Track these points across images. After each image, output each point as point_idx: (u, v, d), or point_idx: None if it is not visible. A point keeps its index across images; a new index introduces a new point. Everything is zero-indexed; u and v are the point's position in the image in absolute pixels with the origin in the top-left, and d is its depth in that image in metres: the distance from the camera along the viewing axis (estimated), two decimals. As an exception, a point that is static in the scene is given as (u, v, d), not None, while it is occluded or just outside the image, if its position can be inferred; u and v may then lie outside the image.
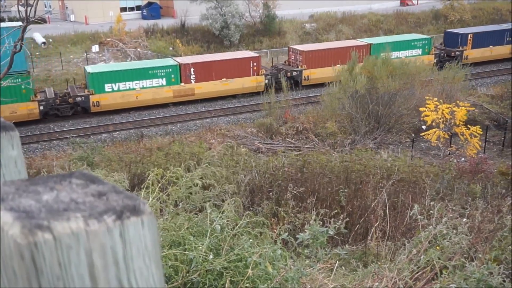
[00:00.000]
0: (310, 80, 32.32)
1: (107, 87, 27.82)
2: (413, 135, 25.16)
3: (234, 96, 30.83)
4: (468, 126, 22.37)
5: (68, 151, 23.05)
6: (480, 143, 22.73)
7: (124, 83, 28.07)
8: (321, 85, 31.51)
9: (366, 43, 34.19)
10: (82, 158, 17.42)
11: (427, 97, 23.27)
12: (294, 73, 32.33)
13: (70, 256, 0.66)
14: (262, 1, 43.74)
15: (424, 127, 24.57)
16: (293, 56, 33.33)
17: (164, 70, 28.87)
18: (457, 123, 22.49)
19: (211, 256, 3.73)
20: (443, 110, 22.29)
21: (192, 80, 29.62)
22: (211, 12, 41.21)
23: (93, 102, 27.61)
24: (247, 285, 3.67)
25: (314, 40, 42.84)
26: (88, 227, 0.67)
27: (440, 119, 22.38)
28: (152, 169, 4.96)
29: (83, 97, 27.49)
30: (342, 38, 42.53)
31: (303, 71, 32.31)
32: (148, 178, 4.79)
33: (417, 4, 57.09)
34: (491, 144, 25.38)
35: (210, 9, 41.24)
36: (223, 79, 30.14)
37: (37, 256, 0.65)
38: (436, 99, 22.80)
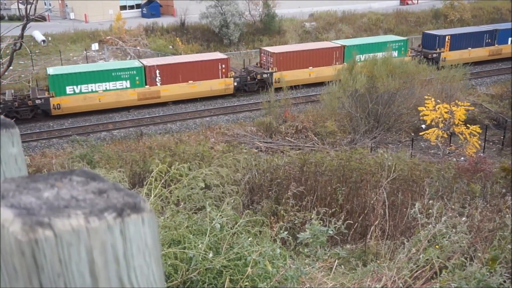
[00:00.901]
0: (281, 83, 31.07)
1: (69, 89, 27.05)
2: (413, 134, 25.16)
3: (203, 99, 30.10)
4: (468, 125, 22.38)
5: (68, 149, 23.05)
6: (479, 142, 22.74)
7: (86, 85, 27.34)
8: (295, 87, 31.07)
9: (340, 45, 33.56)
10: (82, 156, 17.42)
11: (426, 97, 23.28)
12: (265, 76, 31.41)
13: (71, 253, 0.66)
14: (262, 0, 43.71)
15: (423, 126, 24.58)
16: (264, 58, 32.46)
17: (128, 72, 28.19)
18: (456, 123, 22.49)
19: (210, 255, 3.73)
20: (441, 109, 22.30)
21: (157, 83, 28.94)
22: (211, 11, 41.18)
23: (53, 105, 26.79)
24: (247, 283, 3.67)
25: (314, 39, 42.82)
26: (88, 224, 0.67)
27: (439, 118, 22.39)
28: (155, 165, 4.95)
29: (43, 100, 26.65)
30: (342, 37, 42.50)
31: (274, 73, 31.45)
32: (151, 174, 4.78)
33: (417, 3, 57.06)
34: (491, 143, 25.40)
35: (210, 7, 41.21)
36: (190, 82, 29.45)
37: (38, 253, 0.65)
38: (433, 99, 22.81)
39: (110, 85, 27.96)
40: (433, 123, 22.57)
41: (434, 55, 35.83)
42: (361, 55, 32.65)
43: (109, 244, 0.69)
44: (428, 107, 22.67)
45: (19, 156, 1.03)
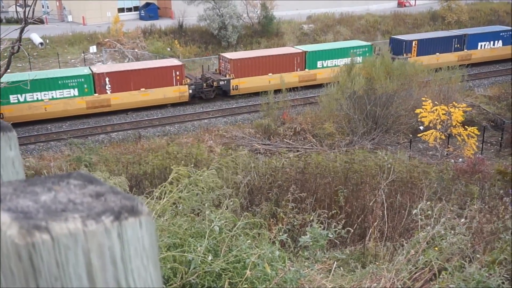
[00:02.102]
0: (240, 90, 30.54)
1: (12, 98, 25.81)
2: (411, 135, 25.19)
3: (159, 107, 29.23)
4: (466, 126, 22.41)
5: (66, 152, 23.03)
6: (477, 143, 22.78)
7: (31, 93, 25.96)
8: (255, 94, 30.13)
9: (301, 51, 32.52)
10: (79, 159, 17.40)
11: (423, 98, 23.32)
12: (221, 83, 30.36)
13: (68, 256, 0.66)
14: (260, 2, 43.77)
15: (421, 127, 24.61)
16: (223, 65, 31.46)
17: (76, 80, 27.04)
18: (454, 124, 22.53)
19: (210, 258, 3.73)
20: (439, 111, 22.34)
21: (107, 91, 27.90)
22: (209, 13, 41.23)
23: None
24: (246, 286, 3.67)
25: (312, 41, 42.88)
26: (86, 228, 0.67)
27: (437, 120, 22.42)
28: (174, 166, 4.93)
29: None
30: (340, 39, 42.58)
31: (231, 80, 30.38)
32: (169, 178, 4.75)
33: (415, 5, 57.19)
34: (489, 144, 25.44)
35: (208, 10, 41.26)
36: (142, 89, 28.45)
37: (35, 257, 0.65)
38: (430, 100, 22.85)
39: (57, 93, 26.84)
40: (431, 125, 22.60)
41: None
42: (323, 61, 32.03)
43: (106, 247, 0.69)
44: (426, 109, 22.71)
45: (16, 160, 1.03)
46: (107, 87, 27.92)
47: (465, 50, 36.65)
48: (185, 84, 29.35)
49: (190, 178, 4.80)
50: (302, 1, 49.93)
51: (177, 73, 29.10)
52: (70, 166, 16.64)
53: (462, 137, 22.31)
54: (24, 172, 1.10)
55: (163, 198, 4.55)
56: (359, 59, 32.89)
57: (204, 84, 30.19)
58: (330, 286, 4.46)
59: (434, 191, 10.36)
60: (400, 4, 57.37)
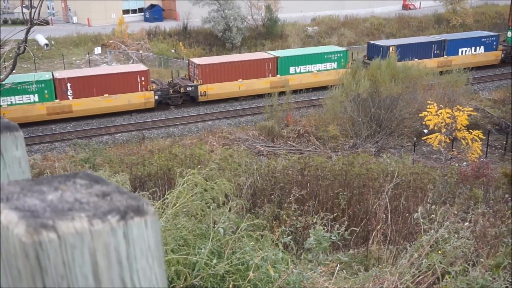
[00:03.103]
0: (208, 96, 29.73)
1: None
2: (415, 139, 25.15)
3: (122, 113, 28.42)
4: (470, 130, 22.35)
5: (70, 153, 23.09)
6: (481, 147, 22.71)
7: None
8: (223, 101, 29.85)
9: (272, 56, 31.50)
10: (84, 160, 17.46)
11: (428, 102, 23.26)
12: (189, 89, 29.50)
13: (74, 255, 0.67)
14: (264, 4, 43.83)
15: (426, 131, 24.56)
16: (192, 70, 30.64)
17: (36, 86, 25.80)
18: (459, 128, 22.47)
19: (214, 261, 3.73)
20: (444, 114, 22.29)
21: (69, 96, 27.06)
22: (213, 15, 41.30)
23: None
24: (249, 287, 3.67)
25: (316, 43, 42.88)
26: (92, 227, 0.68)
27: (441, 123, 22.37)
28: (186, 169, 4.90)
29: None
30: (344, 41, 42.60)
31: (199, 86, 29.54)
32: (182, 181, 4.72)
33: (420, 8, 57.14)
34: (493, 148, 25.36)
35: (212, 12, 41.34)
36: (105, 95, 27.60)
37: (42, 255, 0.65)
38: (435, 104, 22.81)
39: (16, 99, 25.97)
40: (435, 128, 22.56)
41: None
42: (296, 67, 31.33)
43: (112, 247, 0.69)
44: (431, 112, 22.66)
45: (23, 159, 1.04)
46: (68, 93, 27.07)
47: (445, 56, 35.37)
48: (150, 90, 28.57)
49: (204, 186, 4.78)
50: (306, 3, 49.97)
51: (142, 78, 28.28)
52: (75, 167, 16.68)
53: (466, 141, 22.24)
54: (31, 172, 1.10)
55: (173, 204, 4.55)
56: (334, 64, 32.20)
57: (171, 90, 29.42)
58: (333, 289, 4.46)
59: (438, 194, 10.33)
60: (405, 7, 57.34)
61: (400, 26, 48.48)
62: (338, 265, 5.10)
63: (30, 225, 0.65)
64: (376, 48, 34.56)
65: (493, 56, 37.12)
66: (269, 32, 43.63)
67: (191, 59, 32.25)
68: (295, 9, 48.85)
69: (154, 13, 50.74)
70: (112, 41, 40.05)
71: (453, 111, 22.65)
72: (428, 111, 22.82)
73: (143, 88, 28.44)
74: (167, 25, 44.38)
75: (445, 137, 22.35)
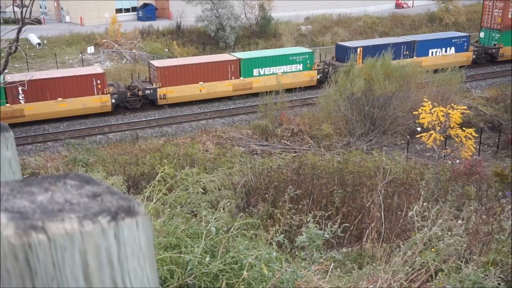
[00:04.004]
0: (168, 99, 29.01)
1: None
2: (408, 137, 25.24)
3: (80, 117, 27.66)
4: (463, 128, 22.46)
5: (63, 153, 23.00)
6: (474, 145, 22.83)
7: None
8: (184, 104, 29.30)
9: (235, 58, 30.79)
10: (76, 160, 17.38)
11: (424, 99, 23.33)
12: (147, 92, 28.67)
13: (65, 257, 0.66)
14: (258, 3, 43.81)
15: (419, 129, 24.66)
16: (151, 72, 29.83)
17: None
18: (452, 126, 22.58)
19: (207, 259, 3.73)
20: (438, 113, 22.38)
21: (21, 100, 26.23)
22: (207, 14, 41.24)
23: None
24: (243, 286, 3.67)
25: (310, 42, 42.92)
26: (82, 228, 0.67)
27: (435, 121, 22.46)
28: (161, 167, 4.90)
29: None
30: (337, 40, 42.61)
31: (158, 89, 28.77)
32: (156, 178, 4.74)
33: (412, 6, 57.31)
34: (486, 146, 25.49)
35: (205, 10, 41.27)
36: (59, 99, 26.71)
37: (31, 257, 0.65)
38: (430, 102, 22.90)
39: None
40: (429, 126, 22.64)
41: (345, 68, 33.00)
42: (260, 69, 30.76)
43: (103, 248, 0.69)
44: (425, 110, 22.73)
45: (13, 160, 1.03)
46: (20, 97, 26.23)
47: (415, 57, 34.11)
48: (107, 93, 27.80)
49: (189, 180, 4.79)
50: (300, 2, 49.99)
51: (98, 81, 27.44)
52: (67, 166, 16.62)
53: (459, 139, 22.35)
54: (27, 172, 1.10)
55: (154, 199, 4.55)
56: (300, 66, 31.54)
57: (128, 93, 28.66)
58: (327, 287, 4.47)
59: (431, 192, 10.37)
60: (397, 6, 57.49)
61: (393, 25, 48.60)
62: (332, 263, 5.11)
63: (19, 226, 0.64)
64: (344, 49, 33.82)
65: (464, 57, 36.34)
66: (263, 31, 43.62)
67: (150, 61, 31.45)
68: (288, 8, 48.84)
69: (147, 12, 50.59)
70: (105, 40, 39.89)
71: (447, 109, 22.76)
72: (422, 109, 22.90)
73: (99, 92, 27.57)
74: (160, 24, 44.27)
75: (439, 135, 22.45)
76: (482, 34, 38.75)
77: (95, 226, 0.68)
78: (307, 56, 32.16)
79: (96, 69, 29.42)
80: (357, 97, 25.19)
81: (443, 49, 35.91)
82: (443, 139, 23.02)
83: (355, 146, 22.87)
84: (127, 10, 51.99)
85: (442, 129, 22.65)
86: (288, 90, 30.61)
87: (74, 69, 30.95)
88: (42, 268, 0.65)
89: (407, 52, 34.31)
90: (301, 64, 31.86)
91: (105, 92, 27.77)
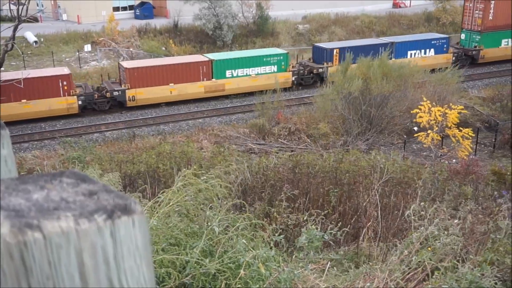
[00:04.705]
0: (137, 101, 28.52)
1: None
2: (405, 136, 25.28)
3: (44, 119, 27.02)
4: (460, 128, 22.51)
5: (59, 151, 22.95)
6: (471, 145, 22.88)
7: None
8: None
9: (207, 59, 30.27)
10: (73, 158, 17.34)
11: (424, 98, 23.33)
12: (116, 93, 28.07)
13: (60, 255, 0.66)
14: (255, 1, 43.80)
15: (415, 128, 24.69)
16: (121, 73, 29.25)
17: None
18: (449, 126, 22.61)
19: (207, 261, 3.72)
20: (435, 112, 22.42)
21: None
22: (204, 12, 41.21)
23: None
24: (239, 285, 3.67)
25: (307, 41, 42.93)
26: (78, 227, 0.67)
27: (433, 121, 22.50)
28: (184, 170, 4.84)
29: None
30: (335, 39, 42.65)
31: (127, 90, 28.18)
32: (176, 182, 4.67)
33: (410, 6, 57.40)
34: (482, 145, 25.56)
35: (203, 9, 41.24)
36: (23, 101, 26.13)
37: (27, 256, 0.64)
38: (429, 102, 22.93)
39: None
40: (427, 126, 22.68)
41: (320, 70, 32.46)
42: (233, 70, 30.37)
43: (99, 246, 0.68)
44: (424, 109, 22.75)
45: (9, 158, 1.03)
46: None
47: (393, 59, 32.96)
48: (73, 95, 27.20)
49: (195, 186, 4.75)
50: (297, 1, 50.00)
51: (64, 83, 26.86)
52: (64, 165, 16.58)
53: (456, 138, 22.40)
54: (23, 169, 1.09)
55: (166, 203, 4.53)
56: (274, 68, 31.07)
57: (96, 95, 28.12)
58: (323, 286, 4.47)
59: (428, 191, 10.39)
60: (395, 5, 57.57)
61: (391, 24, 48.68)
62: (329, 262, 5.12)
63: (14, 225, 0.64)
64: (321, 50, 33.44)
65: (444, 59, 35.63)
66: (260, 29, 43.61)
67: (120, 62, 31.08)
68: (286, 7, 48.85)
69: (145, 10, 50.52)
70: (102, 38, 39.82)
71: (445, 109, 22.79)
72: (421, 108, 22.91)
73: (65, 93, 27.00)
74: (157, 23, 44.21)
75: (436, 134, 22.49)
76: (463, 36, 38.32)
77: (91, 224, 0.68)
78: (281, 57, 31.60)
79: (63, 70, 28.62)
80: (354, 96, 25.21)
81: (422, 50, 35.29)
82: (440, 139, 23.07)
83: (353, 145, 22.90)
84: (124, 9, 51.90)
85: (439, 129, 22.70)
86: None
87: (40, 70, 30.09)
88: (38, 267, 0.65)
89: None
90: (276, 66, 31.34)
91: (71, 94, 27.15)
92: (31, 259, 0.64)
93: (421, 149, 24.34)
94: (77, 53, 37.48)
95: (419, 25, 48.80)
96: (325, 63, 32.84)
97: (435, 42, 36.02)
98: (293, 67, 32.49)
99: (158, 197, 4.57)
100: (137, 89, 28.42)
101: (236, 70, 30.47)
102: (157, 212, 4.43)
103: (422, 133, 22.84)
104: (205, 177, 4.83)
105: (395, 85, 26.05)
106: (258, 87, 30.44)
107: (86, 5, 47.11)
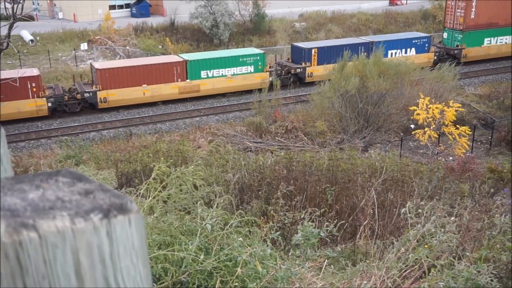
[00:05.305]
0: (109, 103, 27.90)
1: None
2: (402, 134, 25.32)
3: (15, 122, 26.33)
4: (457, 126, 22.56)
5: (56, 150, 22.90)
6: (468, 142, 22.94)
7: None
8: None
9: (181, 60, 29.58)
10: (69, 157, 17.31)
11: (421, 95, 23.36)
12: (87, 95, 27.43)
13: (56, 255, 0.66)
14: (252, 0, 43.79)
15: (412, 126, 24.73)
16: (93, 74, 28.58)
17: None
18: (446, 123, 22.67)
19: (202, 257, 3.72)
20: (433, 110, 22.46)
21: None
22: (201, 11, 41.16)
23: None
24: (236, 284, 3.67)
25: (304, 39, 42.92)
26: (74, 226, 0.67)
27: (430, 118, 22.54)
28: (156, 164, 4.87)
29: None
30: (331, 37, 42.65)
31: (98, 92, 27.54)
32: (152, 175, 4.71)
33: (406, 3, 57.44)
34: (479, 143, 25.62)
35: (199, 7, 41.19)
36: None
37: (22, 255, 0.64)
38: (428, 98, 22.97)
39: None
40: (424, 123, 22.72)
41: (298, 70, 31.95)
42: (208, 71, 29.88)
43: (95, 246, 0.68)
44: (422, 107, 22.78)
45: (4, 157, 1.02)
46: None
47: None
48: (42, 97, 26.53)
49: (173, 175, 4.77)
50: (294, -1, 50.02)
51: (33, 84, 26.17)
52: (60, 164, 16.54)
53: (453, 136, 22.45)
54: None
55: (149, 196, 4.53)
56: (251, 68, 30.56)
57: (66, 97, 27.45)
58: (320, 284, 4.48)
59: (425, 189, 10.42)
60: (391, 3, 57.61)
61: (387, 22, 48.71)
62: (326, 260, 5.13)
63: (9, 224, 0.64)
64: (299, 50, 32.95)
65: (425, 58, 35.02)
66: (257, 27, 43.59)
67: (92, 62, 30.47)
68: (282, 5, 48.83)
69: (141, 8, 50.42)
70: (98, 37, 39.72)
71: (442, 106, 22.83)
72: (419, 104, 22.92)
73: (35, 95, 26.34)
74: (154, 21, 44.12)
75: (434, 132, 22.54)
76: (445, 35, 37.79)
77: (87, 223, 0.67)
78: (258, 57, 30.99)
79: (32, 71, 27.66)
80: (351, 94, 25.23)
81: (403, 50, 34.52)
82: (437, 136, 23.12)
83: (350, 143, 22.93)
84: (120, 7, 51.78)
85: (436, 126, 22.74)
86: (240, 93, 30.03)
87: (7, 71, 29.23)
88: (33, 267, 0.65)
89: (365, 53, 32.46)
90: (252, 66, 30.78)
91: (40, 96, 26.56)
92: (26, 259, 0.64)
93: (418, 147, 24.39)
94: (74, 52, 37.38)
95: (415, 23, 48.84)
96: (303, 63, 32.36)
97: (416, 41, 35.39)
98: (270, 67, 31.90)
99: (139, 191, 4.57)
100: (108, 90, 27.73)
101: (212, 71, 29.89)
102: (144, 209, 4.43)
103: (419, 130, 22.88)
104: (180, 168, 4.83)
105: (391, 83, 26.07)
106: (234, 88, 30.05)
107: (82, 4, 46.99)
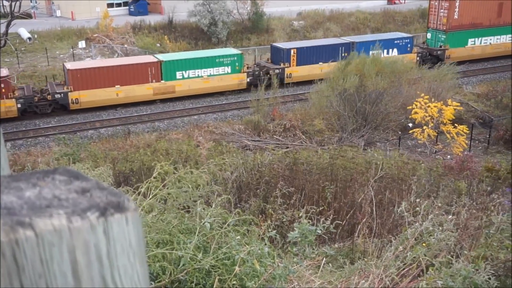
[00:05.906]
0: (81, 104, 27.33)
1: None
2: (400, 132, 25.34)
3: None
4: (455, 124, 22.58)
5: (54, 148, 22.88)
6: (466, 141, 22.97)
7: None
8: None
9: (156, 60, 29.10)
10: (67, 154, 17.30)
11: (421, 94, 23.36)
12: (57, 96, 26.83)
13: (53, 253, 0.65)
14: (250, -2, 43.77)
15: (410, 124, 24.76)
16: (65, 75, 28.11)
17: None
18: (445, 122, 22.69)
19: (200, 255, 3.72)
20: (432, 108, 22.48)
21: None
22: (199, 9, 41.13)
23: None
24: (235, 282, 3.67)
25: (302, 38, 42.91)
26: (71, 224, 0.66)
27: (428, 117, 22.56)
28: (157, 163, 4.86)
29: None
30: (330, 36, 42.63)
31: (69, 93, 26.93)
32: (153, 174, 4.70)
33: (404, 2, 57.45)
34: (477, 142, 25.65)
35: (198, 5, 41.15)
36: None
37: (19, 254, 0.64)
38: (427, 96, 22.98)
39: None
40: (422, 122, 22.74)
41: (277, 71, 31.13)
42: (184, 72, 29.35)
43: (92, 244, 0.68)
44: (420, 105, 22.78)
45: (1, 155, 1.02)
46: None
47: None
48: (11, 98, 25.95)
49: (176, 175, 4.77)
50: (292, -3, 49.98)
51: (2, 85, 25.48)
52: (58, 161, 16.53)
53: (451, 135, 22.47)
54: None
55: (149, 195, 4.53)
56: (228, 69, 30.19)
57: (36, 98, 26.77)
58: (318, 282, 4.48)
59: (422, 187, 10.43)
60: (390, 2, 57.60)
61: (385, 21, 48.72)
62: (324, 258, 5.13)
63: (6, 223, 0.63)
64: (278, 50, 32.50)
65: (408, 59, 33.78)
66: (255, 26, 43.56)
67: (64, 63, 29.96)
68: (281, 3, 48.80)
69: (139, 6, 50.34)
70: (96, 35, 39.66)
71: (441, 104, 22.86)
72: (417, 104, 22.92)
73: (3, 96, 25.73)
74: (152, 19, 44.06)
75: (432, 130, 22.56)
76: (429, 35, 37.37)
77: (83, 222, 0.67)
78: (235, 58, 30.58)
79: (1, 71, 26.83)
80: (349, 93, 25.24)
81: (385, 50, 33.75)
82: (435, 135, 23.15)
83: (348, 142, 22.94)
84: (118, 5, 51.69)
85: (434, 125, 22.76)
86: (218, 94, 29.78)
87: None
88: (30, 265, 0.64)
89: (346, 54, 31.66)
90: (229, 67, 30.33)
91: (9, 97, 25.99)
92: (23, 257, 0.64)
93: (416, 145, 24.41)
94: (71, 50, 37.32)
95: (413, 22, 48.86)
96: (282, 64, 31.79)
97: (398, 41, 34.94)
98: (248, 68, 31.50)
99: (140, 189, 4.56)
100: (80, 91, 27.19)
101: (187, 71, 29.42)
102: (143, 207, 4.42)
103: (417, 129, 22.90)
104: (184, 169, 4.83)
105: (389, 82, 26.08)
106: (211, 88, 29.73)
107: (80, 2, 46.91)
